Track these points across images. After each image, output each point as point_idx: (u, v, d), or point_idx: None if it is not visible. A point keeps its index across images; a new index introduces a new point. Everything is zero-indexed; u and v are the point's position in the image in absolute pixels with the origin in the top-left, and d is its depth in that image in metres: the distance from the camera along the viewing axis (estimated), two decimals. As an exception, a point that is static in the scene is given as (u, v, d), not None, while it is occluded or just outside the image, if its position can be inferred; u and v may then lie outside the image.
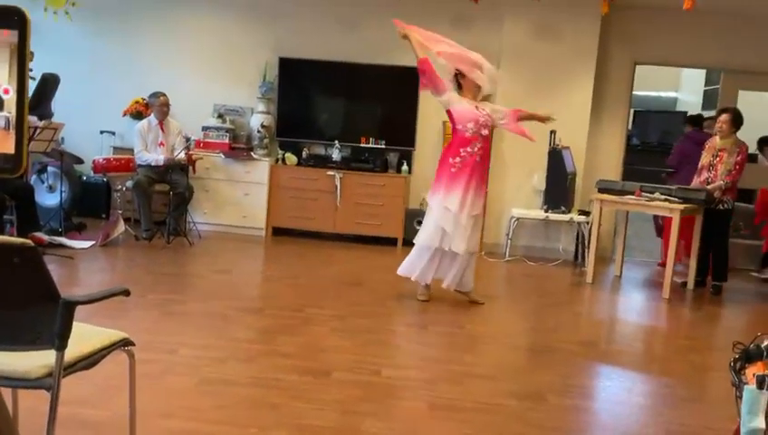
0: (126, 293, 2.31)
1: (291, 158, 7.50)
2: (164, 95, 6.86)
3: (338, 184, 7.30)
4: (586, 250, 6.78)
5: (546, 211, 7.06)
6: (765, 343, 1.82)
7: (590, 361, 4.25)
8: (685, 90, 12.09)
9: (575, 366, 4.11)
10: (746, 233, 7.68)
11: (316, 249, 7.02)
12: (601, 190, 6.41)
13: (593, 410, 3.54)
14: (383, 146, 7.56)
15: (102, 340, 2.33)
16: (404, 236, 7.38)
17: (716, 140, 6.23)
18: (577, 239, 7.31)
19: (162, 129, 6.85)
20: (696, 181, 6.30)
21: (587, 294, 6.12)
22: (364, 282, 5.82)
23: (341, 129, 7.71)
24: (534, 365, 4.13)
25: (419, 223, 7.39)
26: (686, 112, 11.35)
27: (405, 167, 7.52)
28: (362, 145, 7.57)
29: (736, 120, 6.16)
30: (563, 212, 7.00)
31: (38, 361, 2.11)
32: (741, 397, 1.78)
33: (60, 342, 2.08)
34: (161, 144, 6.83)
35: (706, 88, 10.75)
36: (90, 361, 2.25)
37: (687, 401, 3.69)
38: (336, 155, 7.46)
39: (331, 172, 7.33)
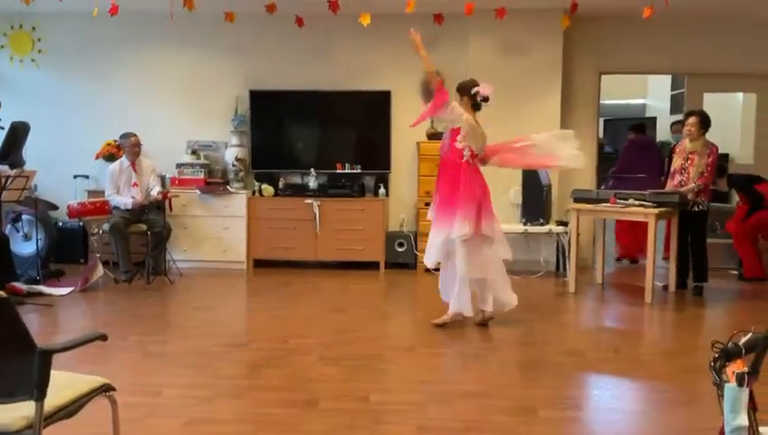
0: (103, 338, 2.28)
1: (267, 189, 7.49)
2: (134, 136, 6.84)
3: (316, 211, 7.29)
4: (567, 260, 6.81)
5: (525, 224, 7.09)
6: (743, 341, 1.83)
7: (578, 371, 4.25)
8: (652, 96, 12.28)
9: (564, 377, 4.11)
10: (723, 233, 7.77)
11: (299, 278, 6.99)
12: (577, 200, 6.47)
13: (584, 421, 3.53)
14: (359, 171, 7.58)
15: (82, 387, 2.30)
16: (386, 259, 7.38)
17: (686, 144, 6.32)
18: (557, 250, 7.35)
19: (135, 169, 6.82)
20: (669, 185, 6.38)
21: (571, 304, 6.14)
22: (348, 308, 5.79)
23: (316, 156, 7.72)
24: (524, 379, 4.11)
25: (401, 245, 7.45)
26: (654, 118, 11.58)
27: (382, 190, 7.53)
28: (338, 171, 7.58)
29: (704, 123, 6.25)
30: (542, 224, 7.04)
31: (18, 412, 2.08)
32: (723, 396, 1.79)
33: (38, 392, 2.05)
34: (135, 185, 6.78)
35: (673, 93, 10.92)
36: (70, 409, 2.22)
37: (678, 404, 3.70)
38: (312, 183, 7.46)
39: (308, 200, 7.33)
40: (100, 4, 5.98)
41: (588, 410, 3.70)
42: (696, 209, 6.24)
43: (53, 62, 7.75)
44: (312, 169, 7.49)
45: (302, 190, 7.50)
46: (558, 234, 7.14)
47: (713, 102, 7.69)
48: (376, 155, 7.58)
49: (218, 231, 7.38)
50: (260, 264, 7.46)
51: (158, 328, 5.21)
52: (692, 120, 6.27)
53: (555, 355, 4.55)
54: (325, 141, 7.83)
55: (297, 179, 7.71)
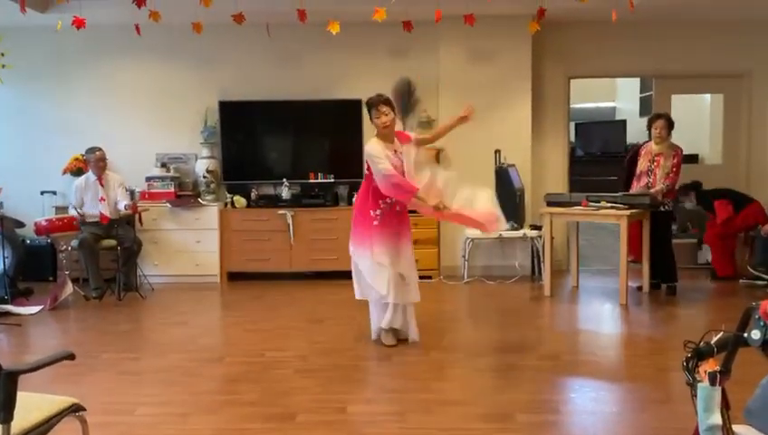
0: (71, 357, 2.23)
1: (240, 200, 7.43)
2: (100, 150, 6.74)
3: (290, 222, 7.24)
4: (542, 264, 6.85)
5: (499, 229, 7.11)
6: (714, 340, 1.84)
7: (555, 374, 4.26)
8: (622, 99, 12.45)
9: (542, 381, 4.11)
10: (695, 232, 7.87)
11: (274, 290, 6.93)
12: (550, 204, 6.51)
13: (562, 424, 3.54)
14: (332, 180, 7.55)
15: (50, 408, 2.24)
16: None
17: (652, 146, 6.41)
18: (532, 254, 7.38)
19: (101, 183, 6.72)
20: (635, 187, 6.45)
21: (547, 308, 6.17)
22: (324, 319, 5.75)
23: (289, 166, 7.68)
24: (501, 385, 4.12)
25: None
26: (624, 121, 11.73)
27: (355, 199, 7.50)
28: (311, 181, 7.54)
29: (671, 125, 6.36)
30: (516, 229, 7.06)
31: (-17, 437, 2.02)
32: (696, 395, 1.80)
33: (4, 414, 2.00)
34: (102, 199, 6.68)
35: (642, 95, 11.08)
36: (39, 431, 2.17)
37: (654, 404, 3.73)
38: (285, 193, 7.41)
39: (282, 211, 7.28)
40: (65, 18, 5.89)
41: (565, 413, 3.70)
42: (662, 210, 6.32)
43: (19, 77, 7.59)
44: (285, 180, 7.45)
45: (274, 201, 7.45)
46: (532, 238, 7.18)
47: (681, 104, 7.80)
48: (348, 164, 7.55)
49: (190, 244, 7.29)
50: (234, 276, 7.38)
51: (130, 345, 5.12)
52: (661, 122, 6.35)
53: (532, 359, 4.55)
54: (297, 151, 7.79)
55: (270, 190, 7.66)
